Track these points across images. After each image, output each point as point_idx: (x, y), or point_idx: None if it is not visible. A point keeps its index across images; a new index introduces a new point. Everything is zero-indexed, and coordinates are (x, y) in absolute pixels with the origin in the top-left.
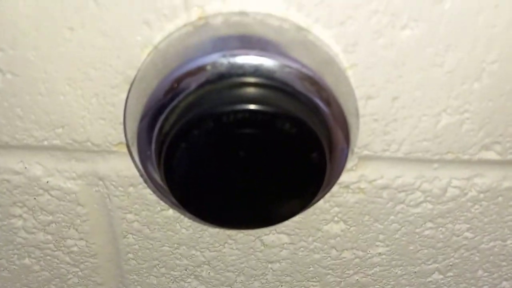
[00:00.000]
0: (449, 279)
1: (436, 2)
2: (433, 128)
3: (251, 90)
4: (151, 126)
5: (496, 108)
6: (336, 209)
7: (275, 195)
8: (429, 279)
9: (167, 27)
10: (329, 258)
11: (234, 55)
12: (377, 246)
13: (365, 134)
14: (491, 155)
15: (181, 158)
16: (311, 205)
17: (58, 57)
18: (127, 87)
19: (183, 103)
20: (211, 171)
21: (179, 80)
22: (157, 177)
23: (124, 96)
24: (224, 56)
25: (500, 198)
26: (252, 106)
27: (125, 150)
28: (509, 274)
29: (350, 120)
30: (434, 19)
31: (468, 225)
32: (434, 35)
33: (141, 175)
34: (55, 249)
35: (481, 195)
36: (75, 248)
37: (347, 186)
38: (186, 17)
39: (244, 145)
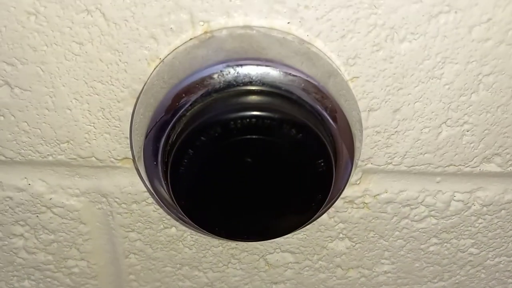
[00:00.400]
0: None
1: (432, 16)
2: (434, 140)
3: (257, 98)
4: (158, 137)
5: (494, 119)
6: (341, 225)
7: (282, 204)
8: None
9: (174, 41)
10: (334, 277)
11: (241, 65)
12: (382, 264)
13: (368, 147)
14: (492, 167)
15: (188, 166)
16: (317, 217)
17: (66, 72)
18: (133, 101)
19: (190, 112)
20: (217, 179)
21: (186, 90)
22: (162, 190)
23: (130, 109)
24: (230, 65)
25: (502, 212)
26: (258, 112)
27: (129, 165)
28: None
29: (354, 130)
30: (431, 33)
31: (472, 241)
32: (431, 49)
33: (147, 189)
34: (56, 270)
35: (484, 209)
36: (76, 269)
37: (351, 201)
38: (192, 32)
39: (251, 152)
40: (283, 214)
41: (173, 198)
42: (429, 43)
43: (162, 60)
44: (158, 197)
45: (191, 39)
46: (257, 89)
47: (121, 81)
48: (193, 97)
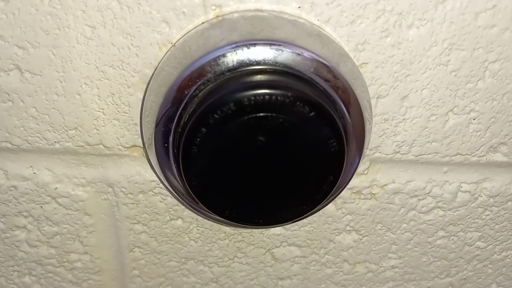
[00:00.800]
0: None
1: (439, 2)
2: (442, 128)
3: (270, 76)
4: (170, 119)
5: (500, 107)
6: (349, 217)
7: (294, 186)
8: None
9: (186, 26)
10: (341, 273)
11: (254, 44)
12: (389, 258)
13: (376, 135)
14: (498, 157)
15: (201, 145)
16: (327, 203)
17: (78, 56)
18: (143, 86)
19: (202, 92)
20: (230, 160)
21: (198, 70)
22: (172, 176)
23: (140, 95)
24: (243, 45)
25: (509, 203)
26: (272, 90)
27: (137, 154)
28: None
29: (365, 114)
30: (438, 19)
31: (479, 234)
32: (438, 35)
33: (156, 175)
34: (58, 264)
35: (491, 200)
36: (78, 264)
37: (359, 192)
38: (204, 17)
39: (264, 130)
40: (295, 196)
41: (184, 180)
42: (436, 29)
43: (174, 45)
44: (168, 183)
45: (203, 23)
46: (270, 68)
47: (132, 66)
48: (206, 77)
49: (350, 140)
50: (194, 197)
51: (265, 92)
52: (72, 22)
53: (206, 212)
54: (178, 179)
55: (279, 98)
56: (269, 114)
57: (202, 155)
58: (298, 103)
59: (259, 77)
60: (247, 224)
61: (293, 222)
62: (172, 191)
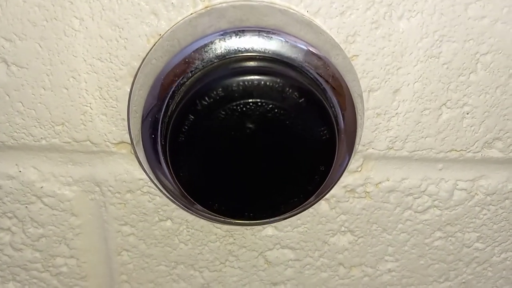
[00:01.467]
0: None
1: None
2: (435, 122)
3: (259, 63)
4: (158, 109)
5: (493, 101)
6: (343, 217)
7: (284, 177)
8: None
9: (175, 17)
10: (337, 277)
11: (242, 31)
12: (386, 261)
13: (369, 130)
14: (493, 153)
15: (189, 133)
16: (319, 198)
17: (65, 48)
18: (131, 79)
19: (190, 80)
20: (218, 149)
21: (186, 58)
22: (160, 172)
23: (127, 89)
24: (232, 32)
25: (507, 202)
26: (261, 76)
27: (125, 151)
28: None
29: (357, 104)
30: (428, 10)
31: (477, 234)
32: (429, 26)
33: (144, 171)
34: (43, 269)
35: (488, 198)
36: (64, 269)
37: (353, 190)
38: (193, 8)
39: (253, 117)
40: (286, 188)
41: (172, 172)
42: (427, 21)
43: (162, 36)
44: (156, 179)
45: (191, 13)
46: (259, 55)
47: (120, 58)
48: (194, 64)
49: (341, 131)
50: (183, 190)
51: (254, 78)
52: (59, 13)
53: (196, 210)
54: (166, 172)
55: (268, 84)
56: (258, 100)
57: (190, 144)
58: (287, 89)
59: (248, 64)
60: (237, 218)
61: (285, 217)
62: (161, 187)
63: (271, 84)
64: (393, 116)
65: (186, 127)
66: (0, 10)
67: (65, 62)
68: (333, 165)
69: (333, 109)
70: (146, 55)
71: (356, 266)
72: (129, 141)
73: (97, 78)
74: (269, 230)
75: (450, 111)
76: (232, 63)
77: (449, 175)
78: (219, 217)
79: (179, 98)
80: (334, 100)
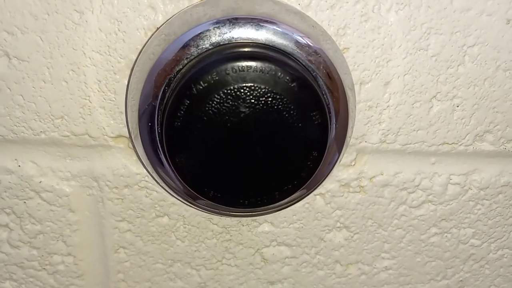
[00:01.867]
0: None
1: None
2: (426, 115)
3: (252, 49)
4: (154, 97)
5: (482, 93)
6: (338, 212)
7: (278, 164)
8: None
9: (171, 11)
10: (333, 275)
11: (236, 18)
12: (382, 258)
13: (361, 123)
14: (485, 146)
15: (184, 118)
16: (312, 188)
17: (65, 41)
18: (129, 72)
19: (186, 67)
20: (213, 134)
21: (182, 46)
22: (158, 162)
23: (125, 82)
24: (226, 20)
25: (500, 196)
26: (253, 61)
27: (123, 145)
28: None
29: (348, 92)
30: (415, 3)
31: (473, 230)
32: (416, 19)
33: (141, 163)
34: (40, 268)
35: (482, 193)
36: (61, 267)
37: (347, 184)
38: (188, 1)
39: (247, 101)
40: (279, 174)
41: (168, 158)
42: (414, 13)
43: (158, 28)
44: (153, 170)
45: (187, 7)
46: (252, 42)
47: (119, 51)
48: (190, 52)
49: (333, 117)
50: (179, 178)
51: (246, 63)
52: (60, 7)
53: (193, 202)
54: (164, 161)
55: (260, 68)
56: (251, 85)
57: (186, 129)
58: (279, 74)
59: (241, 49)
60: (233, 206)
61: (280, 206)
62: (158, 180)
63: (263, 68)
64: (385, 109)
65: (181, 112)
66: (3, 2)
67: (65, 55)
68: (326, 150)
69: (325, 96)
70: (143, 47)
71: (353, 263)
72: (127, 135)
73: (96, 71)
74: (265, 226)
75: (441, 104)
76: (226, 50)
77: (442, 169)
78: (215, 206)
79: (175, 85)
80: (325, 87)
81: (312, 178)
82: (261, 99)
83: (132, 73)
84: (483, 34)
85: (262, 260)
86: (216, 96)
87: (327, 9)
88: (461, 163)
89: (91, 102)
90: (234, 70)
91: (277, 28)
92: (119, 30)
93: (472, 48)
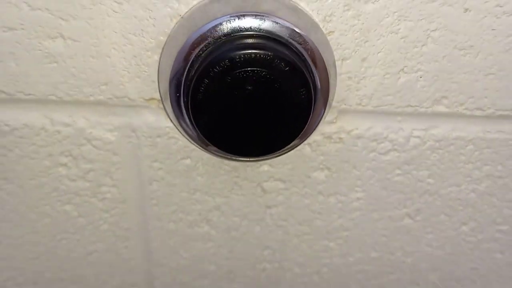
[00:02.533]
0: (418, 224)
1: None
2: (395, 84)
3: (255, 40)
4: (180, 74)
5: (441, 67)
6: (321, 157)
7: (276, 123)
8: (401, 223)
9: (191, 1)
10: (317, 203)
11: (243, 15)
12: (356, 191)
13: (342, 90)
14: (441, 108)
15: (205, 93)
16: (302, 140)
17: (108, 26)
18: (159, 50)
19: (204, 53)
20: (226, 104)
21: (201, 36)
22: (183, 122)
23: (156, 57)
24: (235, 16)
25: (452, 147)
26: (256, 50)
27: (155, 105)
28: (466, 219)
29: (330, 70)
30: None
31: (429, 172)
32: (389, 8)
33: (172, 122)
34: (91, 195)
35: (437, 144)
36: (108, 195)
37: (329, 137)
38: None
39: (251, 81)
40: (277, 132)
41: (193, 122)
42: (388, 4)
43: (182, 17)
44: (180, 128)
45: (205, 2)
46: (256, 34)
47: (150, 34)
48: (207, 41)
49: (318, 90)
50: (200, 135)
51: (251, 52)
52: None
53: (209, 150)
54: (187, 121)
55: (262, 56)
56: (254, 69)
57: (206, 101)
58: (276, 60)
59: (247, 41)
60: (242, 155)
61: (277, 154)
62: (183, 133)
63: (264, 56)
64: (361, 79)
65: (202, 89)
66: None
67: (107, 36)
68: (312, 113)
69: (311, 74)
70: (170, 32)
71: (332, 194)
72: (158, 97)
73: (132, 49)
74: (265, 167)
75: (407, 75)
76: (235, 40)
77: (406, 126)
78: (227, 155)
79: (196, 66)
80: (313, 67)
81: (301, 133)
82: (261, 79)
83: (162, 52)
84: (444, 21)
85: (262, 191)
86: (228, 77)
87: (317, 0)
88: (422, 121)
89: (129, 73)
90: (241, 57)
91: (276, 21)
92: (150, 17)
93: (434, 32)
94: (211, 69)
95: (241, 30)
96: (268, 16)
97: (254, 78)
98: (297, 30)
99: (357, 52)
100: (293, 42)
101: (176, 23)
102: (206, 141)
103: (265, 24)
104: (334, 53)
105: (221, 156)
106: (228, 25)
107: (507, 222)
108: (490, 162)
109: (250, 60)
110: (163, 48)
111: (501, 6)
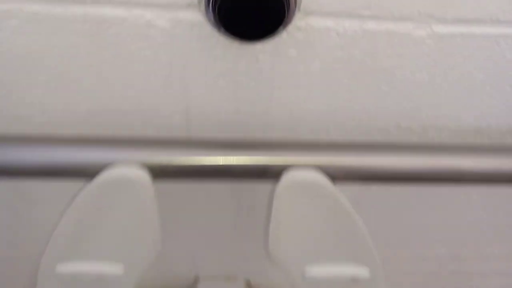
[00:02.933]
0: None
1: None
2: None
3: None
4: None
5: None
6: (293, 40)
7: (265, 17)
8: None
9: None
10: (289, 68)
11: None
12: (315, 62)
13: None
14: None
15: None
16: (282, 28)
17: None
18: None
19: None
20: (234, 7)
21: None
22: (211, 14)
23: None
24: None
25: None
26: None
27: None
28: None
29: None
30: None
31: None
32: None
33: (201, 12)
34: None
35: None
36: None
37: (299, 28)
38: None
39: None
40: (266, 22)
41: (215, 13)
42: None
43: None
44: (207, 18)
45: None
46: None
47: None
48: None
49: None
50: (219, 22)
51: None
52: None
53: (225, 34)
54: (211, 14)
55: None
56: None
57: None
58: None
59: None
60: (244, 39)
61: (267, 36)
62: (208, 22)
63: None
64: None
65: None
66: None
67: None
68: (289, 9)
69: None
70: None
71: (300, 63)
72: (195, 3)
73: None
74: (258, 46)
75: None
76: None
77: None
78: (235, 38)
79: None
80: None
81: (283, 21)
82: None
83: None
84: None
85: (256, 61)
86: None
87: None
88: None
89: None
90: None
91: None
92: None
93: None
94: None
95: None
96: None
97: None
98: None
99: None
100: None
101: None
102: (222, 27)
103: None
104: None
105: (229, 38)
106: None
107: None
108: None
109: None
110: None
111: None
